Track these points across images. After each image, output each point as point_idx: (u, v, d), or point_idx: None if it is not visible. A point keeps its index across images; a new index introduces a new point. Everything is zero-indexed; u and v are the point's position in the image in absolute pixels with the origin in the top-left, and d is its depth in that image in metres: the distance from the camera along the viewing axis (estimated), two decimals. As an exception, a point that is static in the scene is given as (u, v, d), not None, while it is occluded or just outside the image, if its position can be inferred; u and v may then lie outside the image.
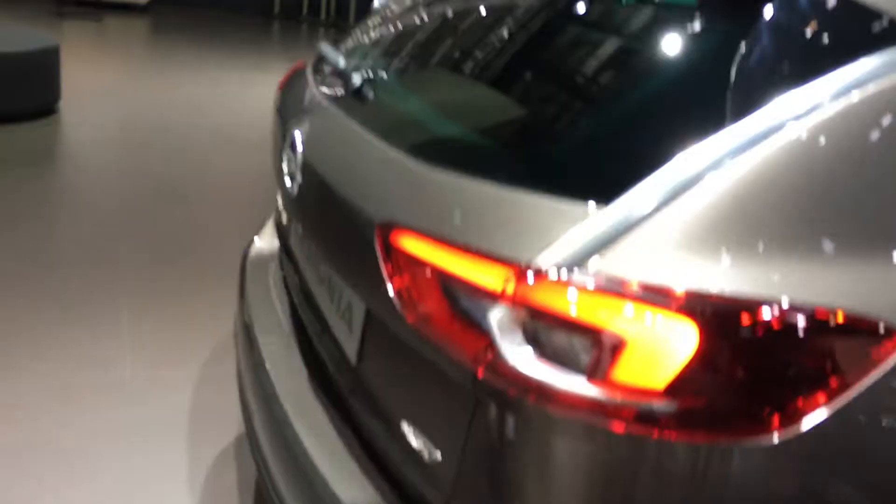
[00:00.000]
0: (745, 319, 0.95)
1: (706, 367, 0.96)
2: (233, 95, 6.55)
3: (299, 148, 1.51)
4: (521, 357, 1.01)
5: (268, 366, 1.67)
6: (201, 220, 4.03)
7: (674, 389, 0.96)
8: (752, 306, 0.95)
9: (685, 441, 0.98)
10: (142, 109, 5.85)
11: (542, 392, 1.00)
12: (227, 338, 2.85)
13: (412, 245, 1.16)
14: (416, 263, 1.15)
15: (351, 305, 1.44)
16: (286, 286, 1.91)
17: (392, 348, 1.32)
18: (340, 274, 1.43)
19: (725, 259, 0.98)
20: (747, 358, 0.97)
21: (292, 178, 1.54)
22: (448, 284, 1.11)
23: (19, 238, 3.53)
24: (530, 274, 1.01)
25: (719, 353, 0.96)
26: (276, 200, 2.04)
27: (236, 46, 8.79)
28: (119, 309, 3.04)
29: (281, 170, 1.63)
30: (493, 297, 1.03)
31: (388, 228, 1.20)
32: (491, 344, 1.03)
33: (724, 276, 0.97)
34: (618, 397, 0.97)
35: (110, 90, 6.29)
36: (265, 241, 2.13)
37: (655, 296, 0.96)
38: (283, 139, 1.63)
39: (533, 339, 1.01)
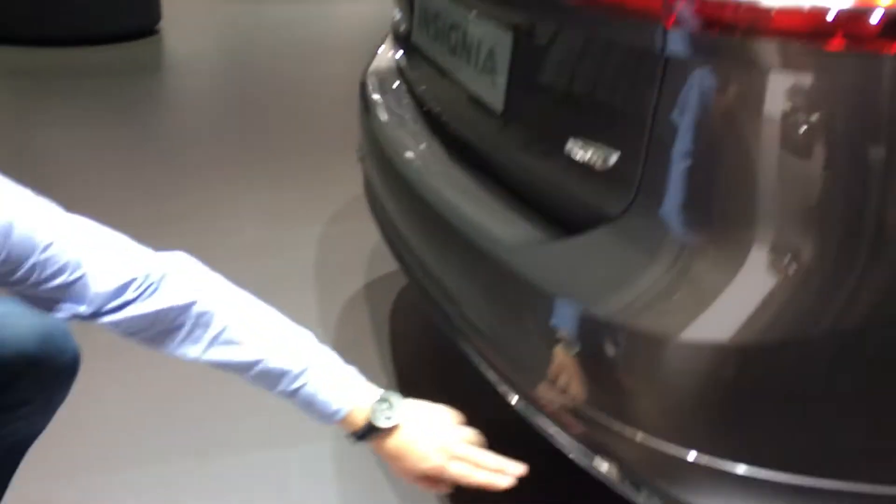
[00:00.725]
0: None
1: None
2: (332, 13, 6.46)
3: None
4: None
5: (405, 158, 1.55)
6: (305, 110, 3.97)
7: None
8: None
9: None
10: (242, 27, 5.84)
11: (757, 18, 0.82)
12: (340, 205, 2.80)
13: None
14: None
15: (493, 51, 1.29)
16: (409, 91, 1.79)
17: (545, 68, 1.17)
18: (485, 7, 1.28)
19: None
20: None
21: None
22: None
23: (139, 125, 3.59)
24: None
25: None
26: (394, 15, 1.91)
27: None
28: (236, 182, 3.02)
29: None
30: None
31: None
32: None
33: None
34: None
35: (210, 11, 6.30)
36: (381, 60, 2.00)
37: None
38: None
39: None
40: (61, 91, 4.06)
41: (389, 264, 2.43)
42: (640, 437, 0.98)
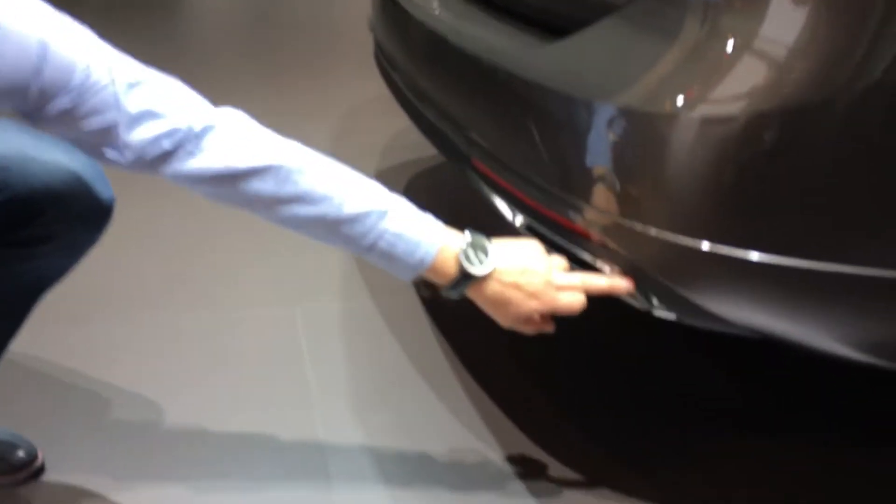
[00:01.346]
0: None
1: None
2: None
3: None
4: None
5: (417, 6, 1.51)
6: (320, 28, 3.94)
7: None
8: None
9: None
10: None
11: None
12: (350, 106, 2.80)
13: None
14: None
15: None
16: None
17: None
18: None
19: None
20: None
21: None
22: None
23: (163, 43, 3.58)
24: None
25: None
26: None
27: None
28: (250, 86, 3.01)
29: None
30: None
31: None
32: None
33: None
34: None
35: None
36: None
37: None
38: None
39: None
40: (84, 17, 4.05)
41: (399, 156, 2.43)
42: (653, 232, 0.95)
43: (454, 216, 1.76)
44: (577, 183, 1.02)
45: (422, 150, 2.44)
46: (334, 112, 2.75)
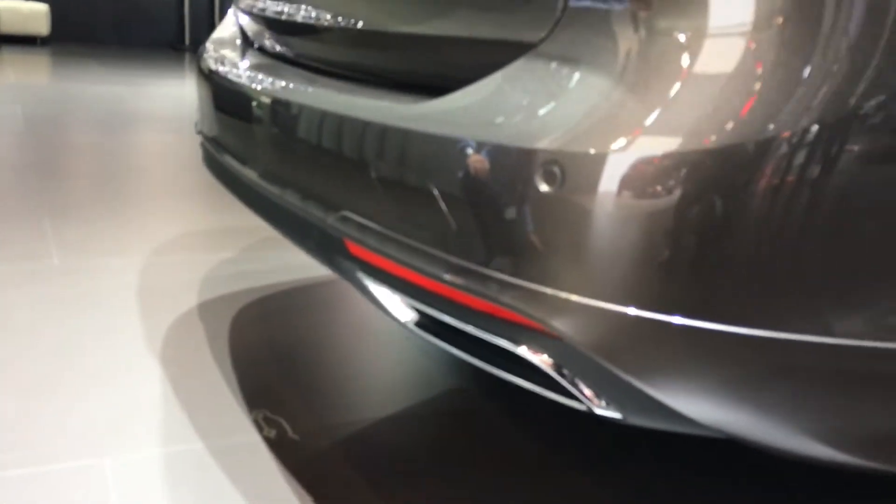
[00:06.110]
0: None
1: None
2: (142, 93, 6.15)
3: None
4: None
5: (265, 88, 1.32)
6: (119, 166, 3.62)
7: None
8: None
9: None
10: (50, 101, 5.40)
11: None
12: (158, 241, 2.51)
13: None
14: None
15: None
16: (250, 42, 1.58)
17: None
18: None
19: None
20: None
21: None
22: None
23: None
24: None
25: None
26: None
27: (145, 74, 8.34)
28: (46, 217, 2.62)
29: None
30: None
31: None
32: None
33: None
34: None
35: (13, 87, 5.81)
36: (221, 31, 1.78)
37: None
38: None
39: None
40: None
41: (217, 290, 2.15)
42: (575, 299, 0.78)
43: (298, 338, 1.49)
44: (491, 248, 0.83)
45: (249, 279, 2.18)
46: (142, 247, 2.44)
